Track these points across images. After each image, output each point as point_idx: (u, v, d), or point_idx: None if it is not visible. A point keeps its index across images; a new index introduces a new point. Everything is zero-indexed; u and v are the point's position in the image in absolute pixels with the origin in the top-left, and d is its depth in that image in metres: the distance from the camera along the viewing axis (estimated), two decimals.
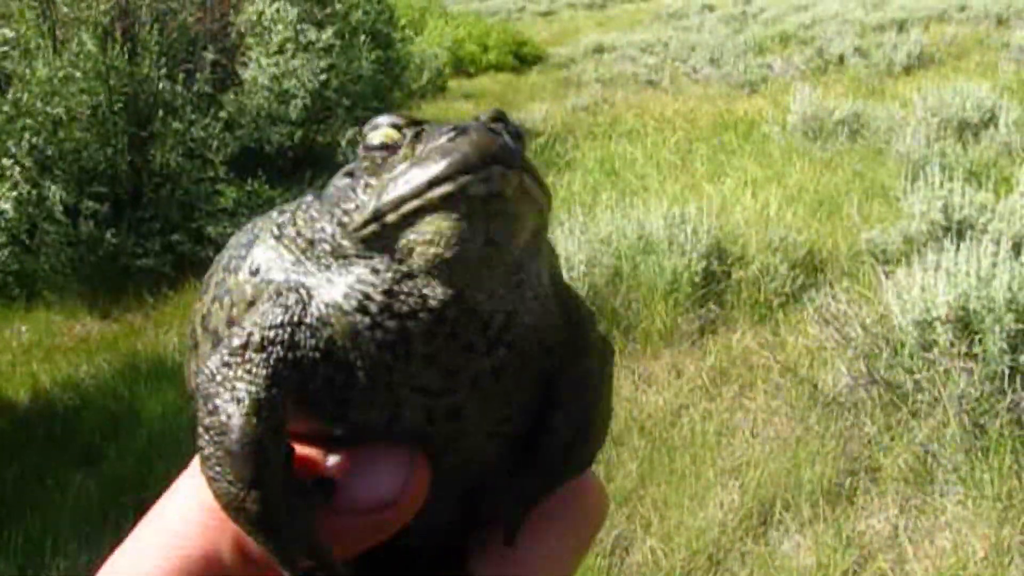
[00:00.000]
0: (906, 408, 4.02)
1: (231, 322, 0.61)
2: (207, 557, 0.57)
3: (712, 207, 6.22)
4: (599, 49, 17.01)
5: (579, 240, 5.59)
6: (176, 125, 7.07)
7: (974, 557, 3.26)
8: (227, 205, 7.17)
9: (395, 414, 0.57)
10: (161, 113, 7.09)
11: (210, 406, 0.55)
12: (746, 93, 12.11)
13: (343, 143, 8.68)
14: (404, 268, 0.55)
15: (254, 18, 8.25)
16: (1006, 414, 3.69)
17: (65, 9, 7.18)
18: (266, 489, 0.54)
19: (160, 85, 7.17)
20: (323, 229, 0.58)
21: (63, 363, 5.57)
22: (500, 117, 0.60)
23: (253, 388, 0.55)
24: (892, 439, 3.95)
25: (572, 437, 0.63)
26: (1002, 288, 3.88)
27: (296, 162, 8.47)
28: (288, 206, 0.64)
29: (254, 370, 0.55)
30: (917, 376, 4.00)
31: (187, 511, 0.58)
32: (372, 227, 0.55)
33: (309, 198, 0.62)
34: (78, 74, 6.63)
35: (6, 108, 6.28)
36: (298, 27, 8.30)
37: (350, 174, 0.60)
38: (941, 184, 5.81)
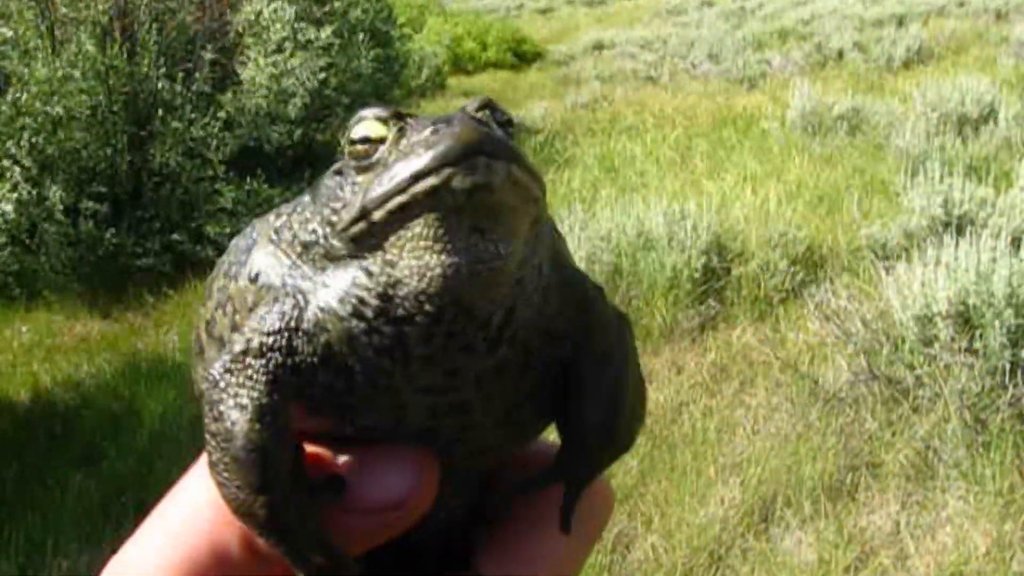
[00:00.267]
0: (907, 404, 4.02)
1: (235, 328, 0.60)
2: (215, 552, 0.58)
3: (712, 203, 6.22)
4: (598, 46, 16.99)
5: (579, 237, 5.58)
6: (175, 124, 7.06)
7: (976, 552, 3.26)
8: (227, 204, 7.16)
9: (400, 414, 0.57)
10: (160, 112, 7.08)
11: (215, 412, 0.55)
12: (745, 89, 12.10)
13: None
14: (396, 268, 0.54)
15: (252, 17, 8.23)
16: (1007, 409, 3.69)
17: (64, 9, 7.17)
18: (274, 493, 0.54)
19: (159, 84, 7.17)
20: (315, 231, 0.58)
21: (63, 363, 5.57)
22: (487, 105, 0.59)
23: (255, 394, 0.55)
24: (893, 435, 3.94)
25: (604, 417, 0.63)
26: (1002, 283, 3.88)
27: (295, 161, 8.46)
28: (285, 208, 0.63)
29: (255, 376, 0.55)
30: (918, 371, 4.00)
31: (196, 506, 0.59)
32: (360, 225, 0.54)
33: (305, 199, 0.62)
34: (77, 74, 6.63)
35: (5, 108, 6.27)
36: (296, 26, 8.29)
37: (339, 172, 0.59)
38: (941, 179, 5.81)
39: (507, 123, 0.59)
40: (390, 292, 0.54)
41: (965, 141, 7.60)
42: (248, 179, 7.37)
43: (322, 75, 8.31)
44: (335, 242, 0.56)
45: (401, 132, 0.56)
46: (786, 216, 6.38)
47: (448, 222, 0.53)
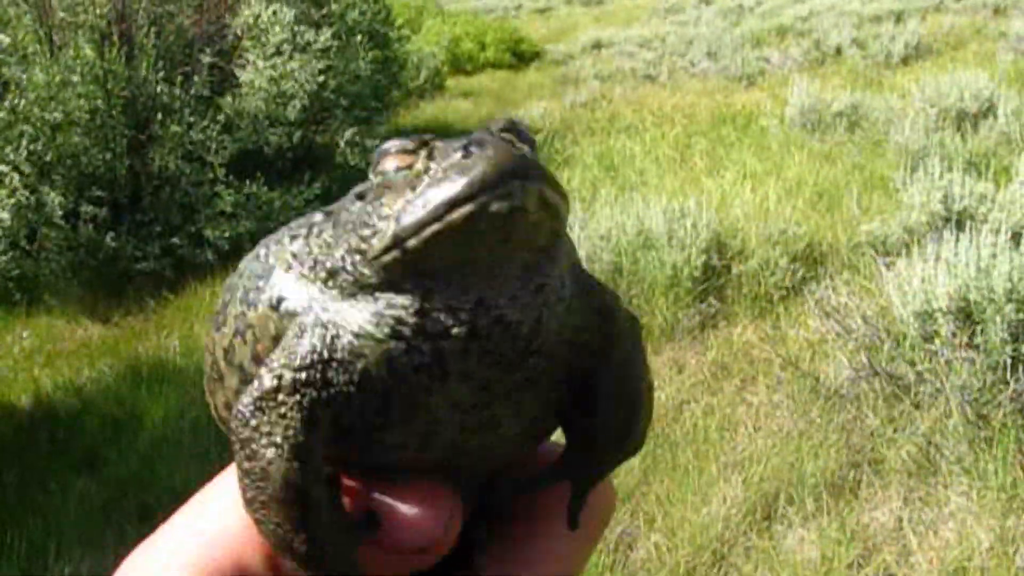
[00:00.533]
0: (908, 400, 4.01)
1: (257, 358, 0.59)
2: (239, 568, 0.58)
3: (711, 201, 6.22)
4: (597, 45, 17.00)
5: (578, 236, 5.58)
6: (174, 128, 7.06)
7: (979, 548, 3.25)
8: (226, 208, 7.17)
9: (431, 431, 0.57)
10: (159, 116, 7.09)
11: (247, 451, 0.54)
12: (744, 87, 12.10)
13: (342, 143, 8.68)
14: (432, 292, 0.54)
15: (251, 20, 8.23)
16: (1009, 404, 3.68)
17: (62, 14, 7.18)
18: (314, 530, 0.54)
19: (158, 88, 7.17)
20: (343, 258, 0.56)
21: (65, 367, 5.58)
22: (511, 127, 0.59)
23: (290, 432, 0.54)
24: (895, 431, 3.94)
25: (622, 421, 0.64)
26: (1002, 278, 3.87)
27: (295, 163, 8.46)
28: (298, 229, 0.62)
29: (289, 414, 0.54)
30: (919, 367, 4.00)
31: (225, 519, 0.59)
32: (393, 254, 0.54)
33: (319, 218, 0.61)
34: (75, 79, 6.63)
35: (3, 115, 6.27)
36: (295, 29, 8.29)
37: (361, 196, 0.58)
38: (940, 175, 5.80)
39: (531, 143, 0.59)
40: (425, 308, 0.54)
41: (964, 136, 7.59)
42: (248, 182, 7.36)
43: (321, 78, 8.31)
44: (366, 271, 0.55)
45: (430, 156, 0.55)
46: (786, 213, 6.37)
47: (483, 246, 0.53)
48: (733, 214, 6.24)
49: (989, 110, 8.03)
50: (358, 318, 0.55)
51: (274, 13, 8.23)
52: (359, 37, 9.36)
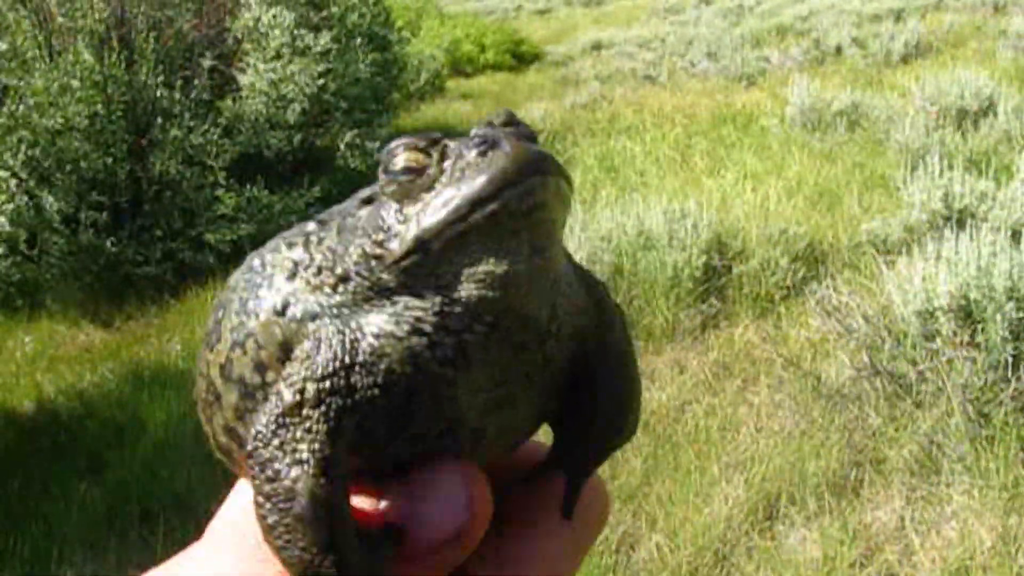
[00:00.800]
0: (910, 399, 4.01)
1: (261, 367, 0.57)
2: None
3: (712, 201, 6.22)
4: (596, 46, 17.01)
5: (579, 237, 5.58)
6: (175, 132, 7.07)
7: (981, 547, 3.25)
8: (227, 211, 7.17)
9: (454, 418, 0.57)
10: (159, 120, 7.09)
11: (268, 472, 0.52)
12: (744, 86, 12.10)
13: (342, 146, 8.69)
14: (454, 290, 0.53)
15: (251, 24, 8.24)
16: (1010, 402, 3.68)
17: (61, 19, 7.18)
18: (342, 550, 0.52)
19: (158, 92, 7.17)
20: (356, 263, 0.55)
21: (67, 372, 5.58)
22: (511, 120, 0.59)
23: (316, 446, 0.52)
24: (896, 430, 3.94)
25: (617, 408, 0.65)
26: (1003, 276, 3.87)
27: (295, 166, 8.47)
28: (293, 238, 0.61)
29: (314, 427, 0.52)
30: (920, 366, 3.99)
31: (241, 552, 0.57)
32: (414, 257, 0.53)
33: (312, 227, 0.60)
34: (75, 84, 6.63)
35: (2, 120, 6.28)
36: (295, 32, 8.30)
37: (368, 201, 0.57)
38: (941, 173, 5.80)
39: (532, 137, 0.59)
40: (447, 308, 0.54)
41: (964, 135, 7.59)
42: (248, 186, 7.37)
43: (321, 80, 8.32)
44: (384, 275, 0.54)
45: (443, 155, 0.55)
46: (786, 213, 6.38)
47: (508, 243, 0.53)
48: (734, 214, 6.24)
49: (989, 108, 8.03)
50: (376, 320, 0.54)
51: (274, 16, 8.24)
52: (359, 40, 9.37)
